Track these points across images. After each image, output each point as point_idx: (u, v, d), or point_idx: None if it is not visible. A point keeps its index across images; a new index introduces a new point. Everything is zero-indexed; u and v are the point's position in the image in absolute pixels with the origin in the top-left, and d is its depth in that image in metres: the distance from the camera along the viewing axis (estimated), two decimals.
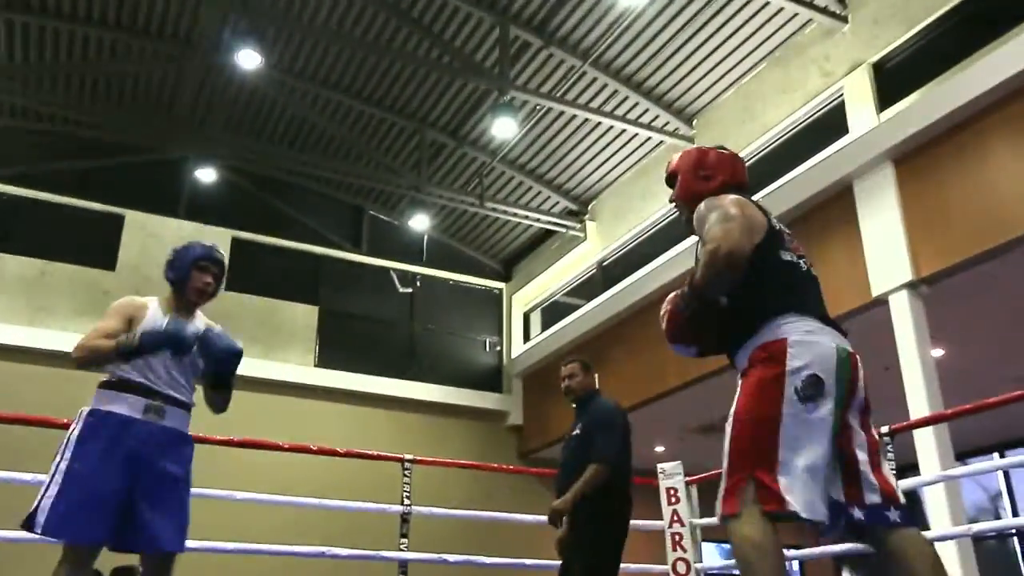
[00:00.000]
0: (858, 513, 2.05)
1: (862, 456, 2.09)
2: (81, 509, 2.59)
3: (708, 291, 2.19)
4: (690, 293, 2.22)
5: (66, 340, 9.09)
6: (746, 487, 2.01)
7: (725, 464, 2.10)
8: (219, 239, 10.51)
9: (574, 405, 4.31)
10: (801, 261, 2.30)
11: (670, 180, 2.57)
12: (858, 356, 2.19)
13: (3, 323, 9.05)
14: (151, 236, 10.21)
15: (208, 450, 5.24)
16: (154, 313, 2.91)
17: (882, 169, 6.54)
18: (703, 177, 2.47)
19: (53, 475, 2.66)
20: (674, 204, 2.57)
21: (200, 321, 3.04)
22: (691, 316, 2.27)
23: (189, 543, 2.92)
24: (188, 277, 2.99)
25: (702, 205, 2.31)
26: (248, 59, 8.21)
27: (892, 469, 2.23)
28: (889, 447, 4.33)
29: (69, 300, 9.52)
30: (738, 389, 2.17)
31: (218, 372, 2.94)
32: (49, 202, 9.85)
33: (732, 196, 2.30)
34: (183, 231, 10.44)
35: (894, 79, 7.17)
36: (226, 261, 3.15)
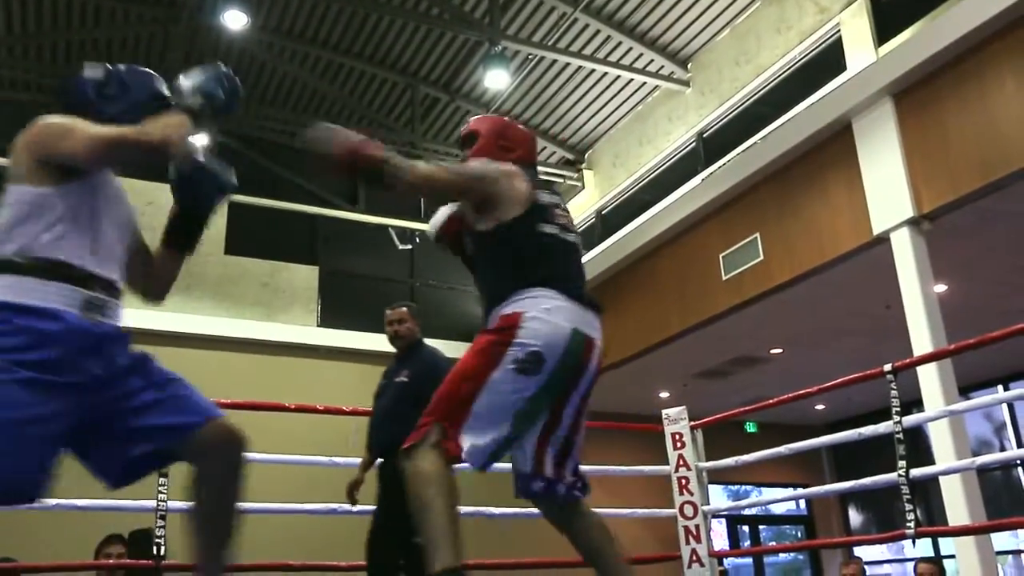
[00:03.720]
0: (537, 485, 2.31)
1: (558, 436, 2.31)
2: (14, 448, 1.75)
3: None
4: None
5: None
6: (431, 430, 2.13)
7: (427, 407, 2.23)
8: None
9: (397, 353, 4.33)
10: (567, 234, 2.41)
11: (467, 140, 2.58)
12: (596, 342, 2.31)
13: None
14: (149, 204, 10.01)
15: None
16: None
17: (881, 105, 6.44)
18: (502, 147, 2.49)
19: None
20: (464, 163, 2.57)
21: None
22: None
23: None
24: (139, 119, 1.96)
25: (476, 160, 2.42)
26: (234, 19, 8.08)
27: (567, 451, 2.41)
28: (892, 385, 4.34)
29: None
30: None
31: (202, 215, 2.20)
32: None
33: (505, 169, 2.37)
34: None
35: (892, 13, 7.04)
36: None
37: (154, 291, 2.22)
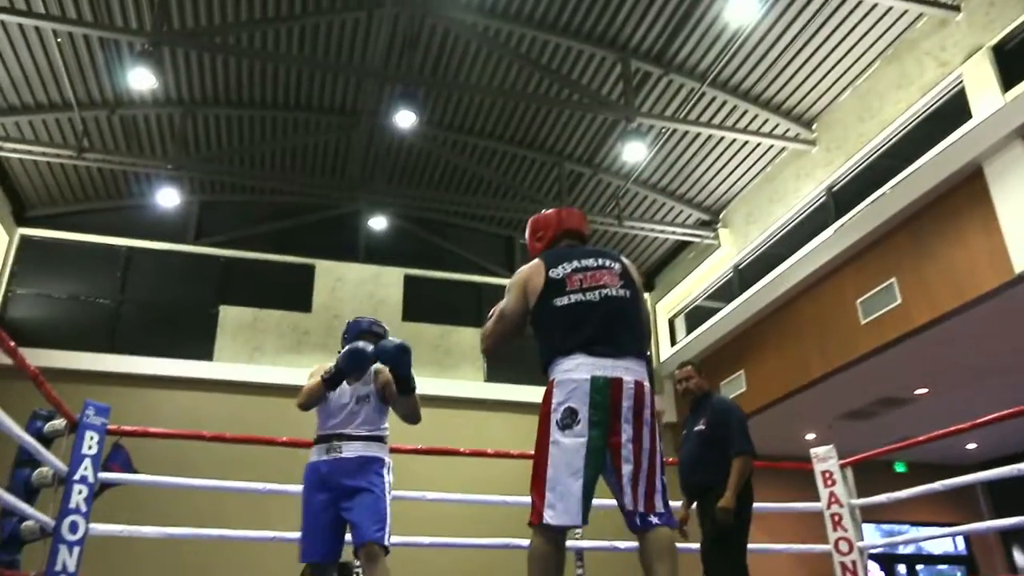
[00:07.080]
0: (636, 521, 2.31)
1: (626, 469, 2.31)
2: (307, 538, 3.14)
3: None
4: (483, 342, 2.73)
5: (277, 374, 9.72)
6: (532, 509, 2.32)
7: None
8: (393, 277, 11.01)
9: (691, 405, 4.21)
10: (590, 293, 2.48)
11: None
12: (624, 379, 2.34)
13: (229, 362, 9.82)
14: (338, 280, 10.79)
15: (403, 459, 5.44)
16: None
17: (1013, 148, 6.00)
18: (537, 239, 2.81)
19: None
20: None
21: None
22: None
23: (393, 539, 3.07)
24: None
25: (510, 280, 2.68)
26: (404, 119, 8.55)
27: (658, 477, 2.39)
28: None
29: (277, 340, 10.19)
30: None
31: (398, 372, 3.25)
32: (255, 260, 10.63)
33: (523, 274, 2.61)
34: (363, 273, 10.97)
35: (1016, 58, 6.58)
36: (385, 328, 3.55)
37: (407, 421, 3.36)
